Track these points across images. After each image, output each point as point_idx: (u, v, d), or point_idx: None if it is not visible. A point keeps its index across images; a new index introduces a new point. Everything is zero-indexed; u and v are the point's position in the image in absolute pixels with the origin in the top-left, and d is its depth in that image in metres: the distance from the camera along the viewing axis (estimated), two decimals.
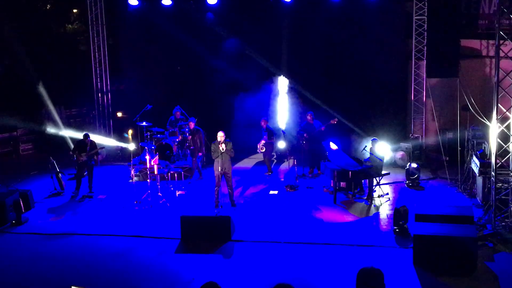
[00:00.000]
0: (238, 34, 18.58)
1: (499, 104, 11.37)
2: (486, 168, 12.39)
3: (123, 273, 10.17)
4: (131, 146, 17.10)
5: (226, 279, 9.54)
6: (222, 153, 12.94)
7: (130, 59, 20.56)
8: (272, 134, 16.54)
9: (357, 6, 17.85)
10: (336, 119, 16.00)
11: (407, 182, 15.09)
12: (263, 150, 16.48)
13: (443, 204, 12.51)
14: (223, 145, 12.94)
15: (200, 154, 16.17)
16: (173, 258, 10.78)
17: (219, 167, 12.99)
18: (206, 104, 18.92)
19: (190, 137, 16.23)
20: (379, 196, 13.93)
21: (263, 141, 16.39)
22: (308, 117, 16.16)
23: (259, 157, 17.73)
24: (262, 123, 16.44)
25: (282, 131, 16.73)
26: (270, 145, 16.57)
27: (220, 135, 13.06)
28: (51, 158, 15.59)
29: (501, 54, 11.38)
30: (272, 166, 17.12)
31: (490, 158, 12.11)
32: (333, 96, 17.60)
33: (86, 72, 20.17)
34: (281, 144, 16.70)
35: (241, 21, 18.42)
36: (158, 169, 14.09)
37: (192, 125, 16.13)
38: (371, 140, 14.63)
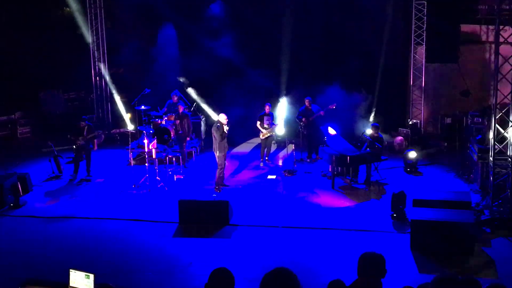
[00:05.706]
0: (236, 19, 18.44)
1: (498, 90, 11.35)
2: (485, 154, 12.41)
3: (121, 256, 10.21)
4: (130, 127, 17.06)
5: (224, 263, 9.46)
6: (226, 135, 13.44)
7: (128, 42, 20.40)
8: (275, 119, 16.18)
9: None
10: (335, 104, 15.91)
11: (405, 167, 15.09)
12: (267, 136, 15.74)
13: (441, 190, 12.53)
14: (227, 127, 13.34)
15: (188, 139, 15.74)
16: (171, 242, 10.81)
17: (225, 149, 13.62)
18: (204, 89, 18.81)
19: (178, 121, 15.61)
20: (377, 181, 13.94)
21: (266, 127, 15.66)
22: (306, 102, 16.04)
23: (256, 141, 17.59)
24: (266, 109, 15.81)
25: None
26: (273, 131, 16.24)
27: (224, 117, 13.38)
28: (49, 142, 15.53)
29: (501, 39, 11.36)
30: (272, 151, 16.85)
31: (488, 143, 12.10)
32: (332, 80, 17.51)
33: (84, 56, 20.04)
34: (281, 129, 16.50)
35: (239, 5, 18.34)
36: (156, 153, 14.07)
37: (181, 108, 15.74)
38: (372, 125, 14.58)
